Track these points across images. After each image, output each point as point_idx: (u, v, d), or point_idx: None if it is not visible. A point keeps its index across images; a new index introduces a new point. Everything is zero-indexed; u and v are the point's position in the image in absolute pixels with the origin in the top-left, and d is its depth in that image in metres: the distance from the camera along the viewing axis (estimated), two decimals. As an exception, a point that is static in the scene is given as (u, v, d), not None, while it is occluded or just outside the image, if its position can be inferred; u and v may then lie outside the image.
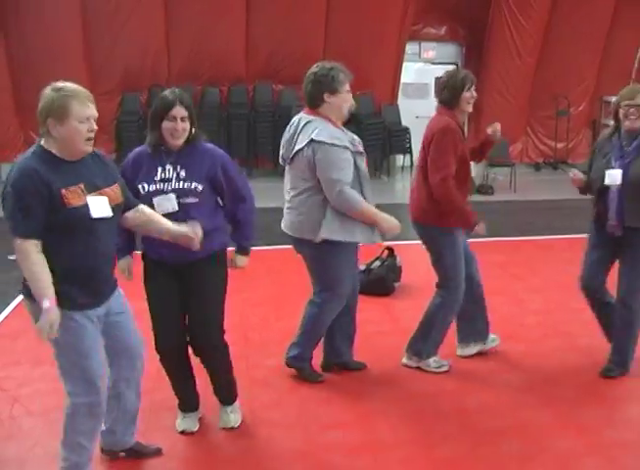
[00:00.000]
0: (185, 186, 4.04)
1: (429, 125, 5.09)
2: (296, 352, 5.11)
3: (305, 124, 4.72)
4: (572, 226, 8.87)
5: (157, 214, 3.87)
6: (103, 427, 3.93)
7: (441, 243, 5.09)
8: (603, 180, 4.94)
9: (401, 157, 15.31)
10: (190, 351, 4.35)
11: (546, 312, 6.55)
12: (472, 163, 5.19)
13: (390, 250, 7.42)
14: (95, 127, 3.39)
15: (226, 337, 4.33)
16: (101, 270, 3.53)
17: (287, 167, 4.90)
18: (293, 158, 4.77)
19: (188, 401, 4.50)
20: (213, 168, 4.10)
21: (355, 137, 4.79)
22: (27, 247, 3.27)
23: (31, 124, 11.61)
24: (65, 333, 3.38)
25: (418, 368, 5.28)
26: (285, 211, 4.93)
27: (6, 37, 13.06)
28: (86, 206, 3.35)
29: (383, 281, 7.07)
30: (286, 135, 4.87)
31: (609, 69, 15.96)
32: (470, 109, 5.14)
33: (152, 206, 3.98)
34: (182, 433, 4.39)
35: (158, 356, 4.31)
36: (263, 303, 6.82)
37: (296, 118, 4.86)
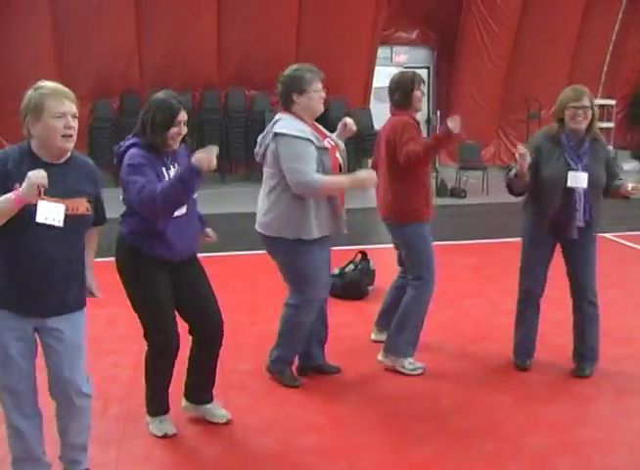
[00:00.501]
0: None
1: (386, 126, 5.26)
2: (274, 355, 5.12)
3: (275, 122, 4.80)
4: (544, 228, 8.91)
5: (93, 245, 3.81)
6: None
7: (411, 234, 5.21)
8: (564, 182, 4.97)
9: (374, 161, 15.28)
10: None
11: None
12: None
13: (364, 253, 7.45)
14: (73, 124, 3.35)
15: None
16: (35, 281, 3.35)
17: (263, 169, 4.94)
18: (264, 155, 4.83)
19: (164, 404, 4.48)
20: None
21: (334, 137, 4.93)
22: None
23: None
24: None
25: (393, 368, 5.29)
26: (258, 209, 4.95)
27: (-25, 45, 12.99)
28: (33, 207, 3.23)
29: (356, 285, 7.09)
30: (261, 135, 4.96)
31: (579, 72, 16.12)
32: (421, 107, 5.30)
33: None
34: (164, 437, 4.36)
35: (145, 356, 4.35)
36: (237, 307, 6.81)
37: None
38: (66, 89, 3.40)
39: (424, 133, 15.82)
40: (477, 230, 10.42)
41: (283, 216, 4.75)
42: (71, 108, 3.37)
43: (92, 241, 3.76)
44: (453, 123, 4.83)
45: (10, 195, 3.16)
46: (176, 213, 4.04)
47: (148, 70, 13.92)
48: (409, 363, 5.29)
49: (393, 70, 5.58)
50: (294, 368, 5.20)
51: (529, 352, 5.43)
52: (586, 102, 4.98)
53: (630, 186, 5.05)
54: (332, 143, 4.88)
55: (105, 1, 13.17)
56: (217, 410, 4.58)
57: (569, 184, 4.97)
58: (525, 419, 4.63)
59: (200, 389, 4.56)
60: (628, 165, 17.03)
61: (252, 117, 14.03)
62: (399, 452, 4.23)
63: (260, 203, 4.92)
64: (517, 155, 4.93)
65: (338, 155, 4.89)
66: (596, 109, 5.13)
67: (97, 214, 3.61)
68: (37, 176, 3.14)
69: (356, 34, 14.32)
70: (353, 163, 14.69)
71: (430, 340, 5.52)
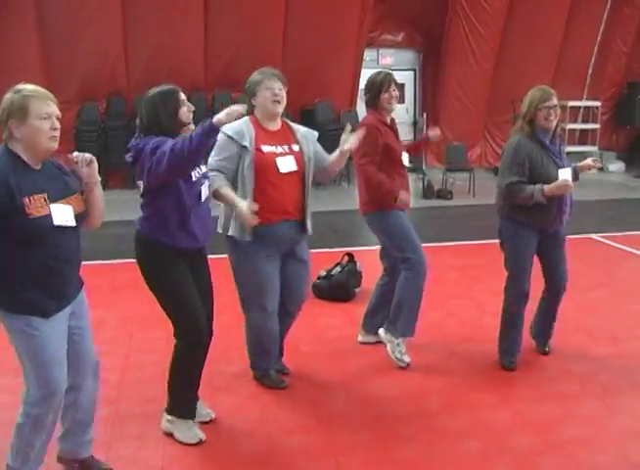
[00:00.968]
0: (203, 170, 4.32)
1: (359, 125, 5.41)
2: (251, 362, 5.22)
3: None
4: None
5: None
6: (59, 434, 3.89)
7: (385, 223, 5.37)
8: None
9: (361, 163, 15.29)
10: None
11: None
12: (406, 154, 5.59)
13: (350, 255, 7.48)
14: (58, 126, 3.39)
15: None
16: (63, 274, 3.50)
17: None
18: None
19: (195, 404, 4.50)
20: None
21: (303, 143, 4.95)
22: None
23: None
24: (27, 342, 3.40)
25: (384, 346, 5.44)
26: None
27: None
28: (49, 215, 3.36)
29: (343, 286, 7.12)
30: None
31: (564, 74, 16.23)
32: (392, 108, 5.42)
33: (198, 192, 4.20)
34: (198, 443, 4.34)
35: (186, 349, 4.29)
36: (225, 309, 6.77)
37: None
38: (47, 91, 3.43)
39: (409, 135, 16.07)
40: (463, 231, 10.46)
41: (222, 212, 4.91)
42: (55, 109, 3.41)
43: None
44: (433, 134, 5.64)
45: None
46: (204, 197, 4.21)
47: (134, 73, 13.88)
48: (399, 351, 5.38)
49: (380, 73, 5.65)
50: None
51: (515, 353, 5.51)
52: (555, 101, 5.16)
53: (591, 160, 5.43)
54: (286, 149, 4.85)
55: (91, 4, 13.14)
56: (202, 409, 4.60)
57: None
58: (511, 418, 4.66)
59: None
60: (613, 166, 17.12)
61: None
62: (386, 452, 4.25)
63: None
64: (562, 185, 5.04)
65: (287, 160, 4.83)
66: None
67: None
68: None
69: (343, 36, 14.34)
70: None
71: (416, 340, 5.54)
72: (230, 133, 4.68)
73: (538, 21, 15.31)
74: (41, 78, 12.77)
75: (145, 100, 4.19)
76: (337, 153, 4.95)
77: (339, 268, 7.28)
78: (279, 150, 4.80)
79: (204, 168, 4.32)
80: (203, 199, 4.23)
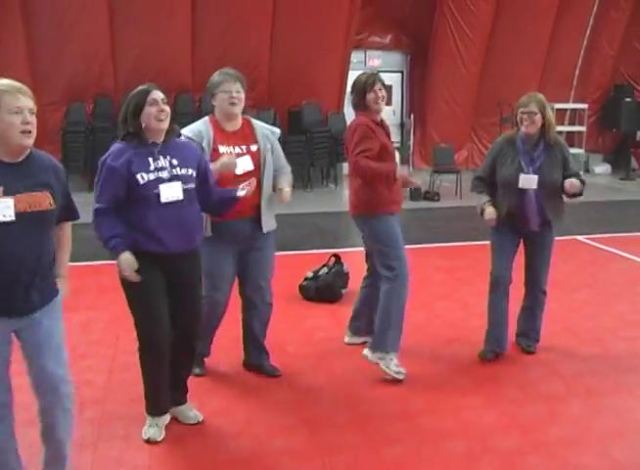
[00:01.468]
0: (183, 172, 4.20)
1: (347, 127, 5.42)
2: None
3: None
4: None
5: (67, 244, 3.74)
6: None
7: (378, 229, 5.28)
8: (516, 184, 5.34)
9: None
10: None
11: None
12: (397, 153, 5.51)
13: (337, 257, 7.49)
14: (30, 119, 3.25)
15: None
16: (7, 280, 3.29)
17: None
18: None
19: (157, 405, 4.50)
20: (199, 158, 4.34)
21: (268, 133, 5.06)
22: None
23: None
24: None
25: (376, 365, 5.29)
26: None
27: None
28: None
29: (330, 288, 7.13)
30: None
31: (551, 76, 16.30)
32: (380, 107, 5.31)
33: (156, 194, 4.09)
34: (147, 441, 4.36)
35: (141, 352, 4.34)
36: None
37: None
38: (20, 85, 3.31)
39: (397, 137, 16.11)
40: (450, 233, 10.49)
41: None
42: (28, 103, 3.27)
43: (65, 239, 3.70)
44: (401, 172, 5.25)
45: None
46: (168, 200, 4.11)
47: (122, 74, 13.84)
48: (395, 365, 5.27)
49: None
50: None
51: (500, 342, 5.63)
52: (533, 108, 5.31)
53: (567, 183, 5.36)
54: (243, 149, 4.92)
55: (79, 4, 13.10)
56: (190, 412, 4.62)
57: (519, 185, 5.35)
58: (497, 419, 4.68)
59: (174, 390, 4.56)
60: (600, 169, 17.20)
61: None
62: (372, 453, 4.26)
63: None
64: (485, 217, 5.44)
65: (244, 160, 4.89)
66: (551, 115, 5.43)
67: (68, 210, 3.61)
68: None
69: (330, 38, 14.33)
70: (327, 166, 14.90)
71: (402, 342, 5.53)
72: (190, 135, 4.80)
73: (525, 24, 15.36)
74: (28, 78, 12.75)
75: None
76: (281, 188, 5.05)
77: (325, 269, 7.29)
78: (236, 150, 4.88)
79: (160, 165, 4.16)
80: (163, 200, 4.11)
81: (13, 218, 3.24)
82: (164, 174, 4.14)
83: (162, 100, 4.13)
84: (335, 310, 6.83)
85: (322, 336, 6.14)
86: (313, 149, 14.34)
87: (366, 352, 5.37)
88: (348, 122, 5.55)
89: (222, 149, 4.83)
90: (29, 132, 3.27)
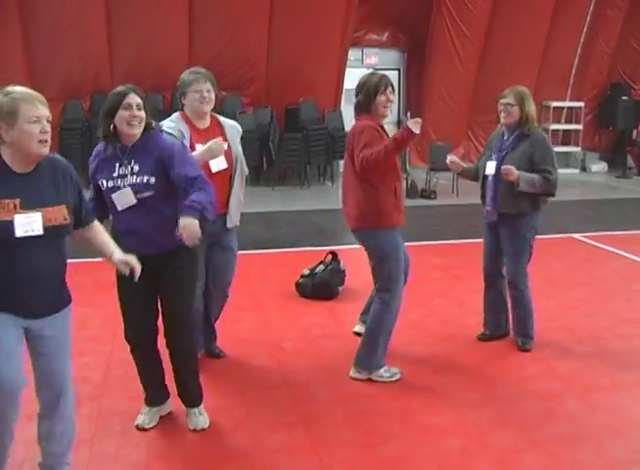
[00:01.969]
0: (138, 181, 4.11)
1: (350, 132, 5.14)
2: None
3: None
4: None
5: (105, 235, 3.74)
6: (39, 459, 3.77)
7: (385, 243, 5.05)
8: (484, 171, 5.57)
9: (345, 162, 15.29)
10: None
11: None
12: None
13: (334, 254, 7.50)
14: (48, 129, 3.26)
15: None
16: (21, 291, 3.33)
17: None
18: None
19: (149, 396, 4.58)
20: (161, 161, 4.12)
21: (234, 132, 5.13)
22: None
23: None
24: None
25: (369, 380, 5.23)
26: None
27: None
28: (11, 222, 3.20)
29: (327, 285, 7.13)
30: None
31: (548, 74, 16.31)
32: (386, 112, 5.14)
33: (112, 201, 4.14)
34: (136, 427, 4.46)
35: (128, 347, 4.47)
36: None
37: None
38: (37, 94, 3.31)
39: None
40: (446, 231, 10.50)
41: None
42: (45, 112, 3.28)
43: (98, 231, 3.72)
44: (415, 125, 4.83)
45: None
46: (124, 207, 4.14)
47: (119, 71, 13.82)
48: (385, 371, 5.24)
49: (364, 72, 5.48)
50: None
51: (488, 325, 5.87)
52: (510, 100, 5.43)
53: (502, 168, 5.40)
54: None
55: (76, 2, 13.08)
56: (193, 417, 4.55)
57: (485, 172, 5.58)
58: (493, 416, 4.69)
59: (181, 391, 4.57)
60: (596, 167, 17.21)
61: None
62: (368, 449, 4.27)
63: None
64: (448, 163, 5.67)
65: (219, 159, 4.91)
66: (531, 109, 5.46)
67: (87, 213, 3.65)
68: None
69: (327, 36, 14.32)
70: (324, 164, 14.90)
71: (399, 339, 5.56)
72: (174, 132, 4.82)
73: (522, 21, 15.37)
74: (24, 75, 12.77)
75: None
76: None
77: (322, 267, 7.30)
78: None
79: (123, 171, 4.14)
80: (119, 208, 4.13)
81: (41, 232, 3.27)
82: (122, 182, 4.12)
83: (137, 105, 4.03)
84: (331, 308, 6.84)
85: (319, 333, 6.14)
86: (310, 146, 14.32)
87: (353, 373, 5.27)
88: (348, 122, 5.49)
89: (198, 147, 4.85)
90: (46, 141, 3.27)
